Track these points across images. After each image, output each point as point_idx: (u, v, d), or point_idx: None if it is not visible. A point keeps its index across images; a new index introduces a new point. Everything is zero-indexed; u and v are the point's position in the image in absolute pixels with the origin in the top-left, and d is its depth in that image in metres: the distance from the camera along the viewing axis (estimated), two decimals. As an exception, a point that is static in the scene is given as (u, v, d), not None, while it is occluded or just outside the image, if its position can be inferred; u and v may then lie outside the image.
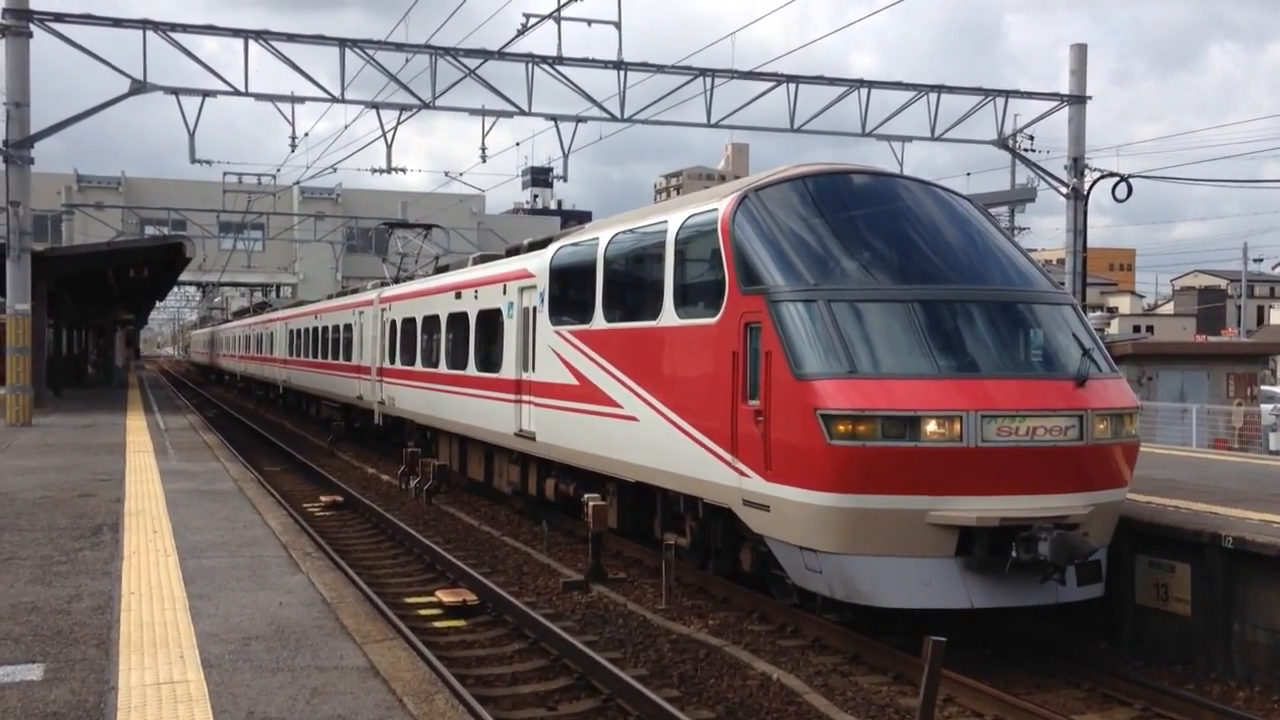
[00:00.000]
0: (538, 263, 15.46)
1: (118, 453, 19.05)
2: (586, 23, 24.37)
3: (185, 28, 23.84)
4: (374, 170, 35.58)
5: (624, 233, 13.22)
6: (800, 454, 9.35)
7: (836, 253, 10.40)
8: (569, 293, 14.59)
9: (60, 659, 6.79)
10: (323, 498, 19.32)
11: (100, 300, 46.07)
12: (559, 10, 22.97)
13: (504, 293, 16.72)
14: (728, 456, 10.37)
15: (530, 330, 15.50)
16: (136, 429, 24.34)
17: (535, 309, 15.25)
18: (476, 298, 18.15)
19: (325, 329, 32.55)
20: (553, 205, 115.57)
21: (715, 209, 11.03)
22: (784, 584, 10.38)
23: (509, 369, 16.25)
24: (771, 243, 10.39)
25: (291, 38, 24.41)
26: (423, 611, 11.46)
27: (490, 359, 17.32)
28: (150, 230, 59.22)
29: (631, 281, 13.26)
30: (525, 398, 15.63)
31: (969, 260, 10.57)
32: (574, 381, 13.76)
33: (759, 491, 9.91)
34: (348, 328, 29.17)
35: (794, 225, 10.61)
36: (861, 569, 9.15)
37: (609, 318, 13.10)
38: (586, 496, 13.25)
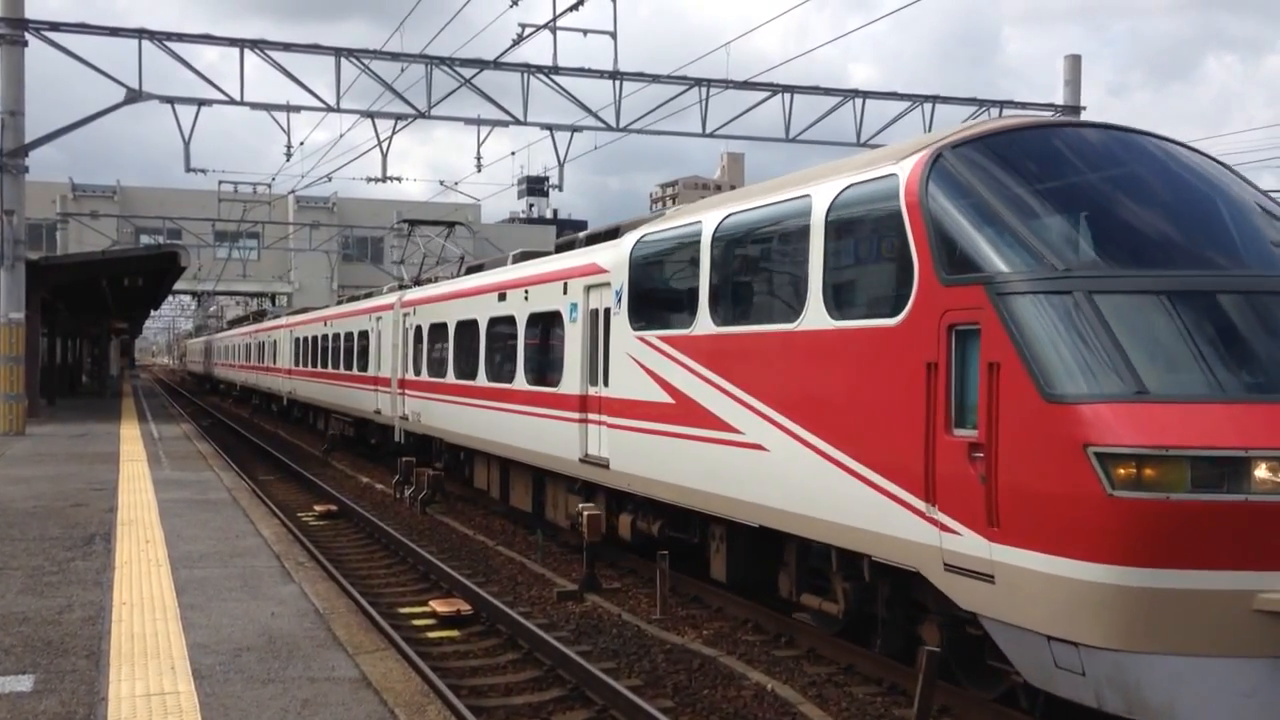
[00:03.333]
0: (612, 256, 12.95)
1: (111, 462, 19.01)
2: (582, 33, 24.44)
3: (181, 37, 23.88)
4: (369, 179, 35.65)
5: (740, 213, 10.53)
6: (1060, 508, 6.81)
7: (1086, 228, 7.92)
8: (658, 290, 12.27)
9: (50, 670, 6.77)
10: (317, 507, 19.27)
11: (94, 309, 46.04)
12: (554, 20, 23.02)
13: (564, 292, 14.22)
14: (918, 504, 7.87)
15: (601, 337, 13.10)
16: (130, 438, 24.30)
17: (608, 311, 12.88)
18: (527, 299, 15.63)
19: (336, 336, 29.76)
20: (548, 214, 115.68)
21: (891, 174, 8.45)
22: (1000, 677, 8.07)
23: (571, 383, 13.85)
24: (990, 214, 7.82)
25: (287, 47, 24.47)
26: (416, 622, 11.43)
27: (545, 370, 14.98)
28: (145, 239, 59.20)
29: (753, 274, 10.77)
30: (593, 417, 13.31)
31: (1266, 239, 8.06)
32: (666, 399, 11.34)
33: (975, 555, 7.36)
34: (363, 335, 26.44)
35: (1018, 191, 8.04)
36: (1153, 673, 6.62)
37: (719, 320, 10.56)
38: (581, 506, 13.11)
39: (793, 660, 10.03)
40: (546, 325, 15.05)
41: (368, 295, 29.57)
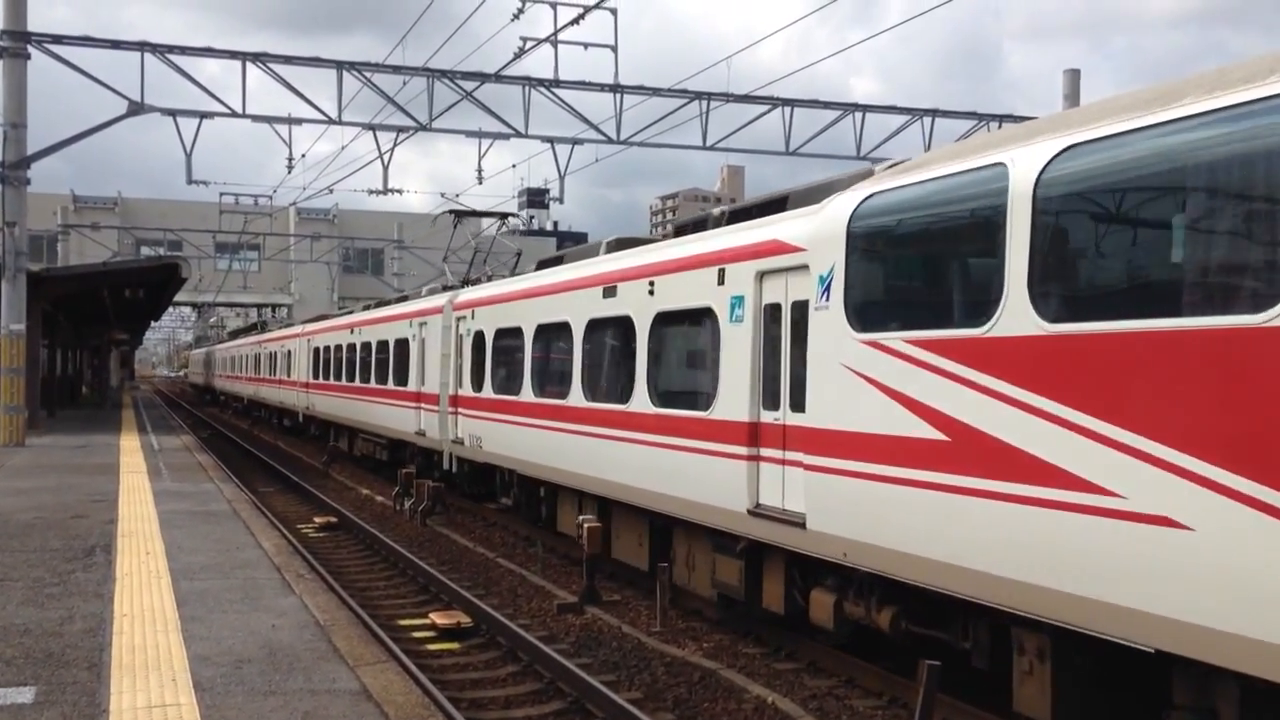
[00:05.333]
0: (813, 228, 9.27)
1: (111, 474, 19.03)
2: (583, 46, 24.60)
3: (183, 50, 23.98)
4: (370, 191, 35.75)
5: (1098, 141, 6.77)
6: None
7: None
8: (909, 273, 8.74)
9: (51, 681, 6.77)
10: (316, 519, 19.26)
11: (95, 321, 46.12)
12: (556, 34, 23.14)
13: (719, 282, 10.61)
14: None
15: (786, 342, 9.64)
16: (130, 450, 24.31)
17: (802, 306, 9.31)
18: (652, 293, 12.01)
19: (366, 346, 26.12)
20: (549, 227, 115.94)
21: None
22: None
23: (733, 406, 10.25)
24: None
25: (289, 60, 24.57)
26: (416, 634, 11.42)
27: (685, 388, 11.65)
28: (146, 251, 59.36)
29: (1136, 236, 6.85)
30: (771, 454, 9.80)
31: None
32: (929, 434, 7.70)
33: None
34: (401, 343, 22.89)
35: None
36: None
37: (1054, 313, 6.90)
38: (582, 519, 13.05)
39: (793, 673, 10.02)
40: (687, 327, 11.65)
41: (402, 298, 25.96)
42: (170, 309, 65.57)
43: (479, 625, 11.51)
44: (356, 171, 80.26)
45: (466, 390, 18.50)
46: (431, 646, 10.98)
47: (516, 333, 16.22)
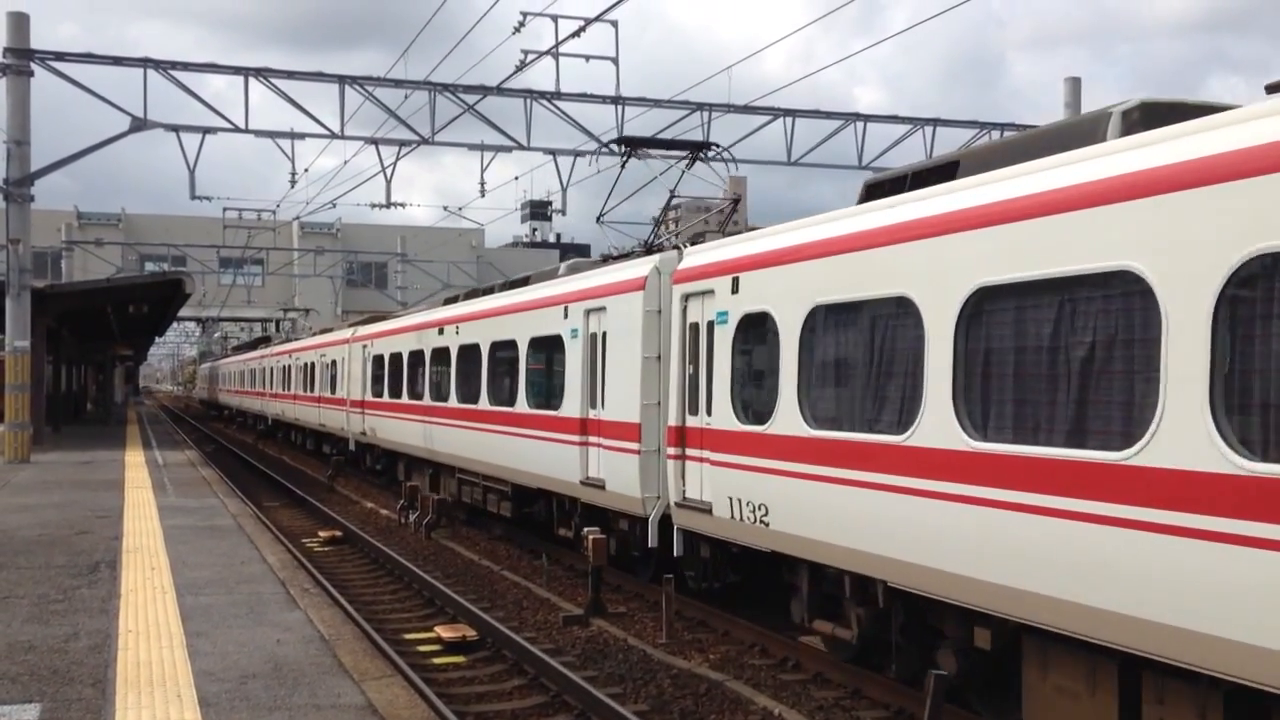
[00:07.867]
0: None
1: (116, 489, 19.04)
2: (585, 58, 24.69)
3: (185, 65, 24.08)
4: (374, 205, 35.80)
5: None
6: None
7: None
8: None
9: (57, 699, 6.76)
10: (321, 533, 19.24)
11: (100, 336, 46.21)
12: (557, 46, 23.20)
13: None
14: None
15: None
16: (135, 465, 24.33)
17: None
18: None
19: (471, 350, 18.67)
20: (551, 238, 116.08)
21: None
22: None
23: None
24: None
25: (291, 75, 24.65)
26: (422, 648, 11.39)
27: None
28: (150, 266, 59.50)
29: None
30: None
31: None
32: None
33: None
34: (544, 343, 15.65)
35: None
36: None
37: None
38: (585, 530, 13.07)
39: (800, 684, 9.99)
40: None
41: (521, 280, 17.92)
42: (175, 324, 65.66)
43: (484, 638, 11.48)
44: (360, 185, 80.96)
45: (716, 418, 11.13)
46: (437, 660, 10.95)
47: (891, 309, 8.54)
